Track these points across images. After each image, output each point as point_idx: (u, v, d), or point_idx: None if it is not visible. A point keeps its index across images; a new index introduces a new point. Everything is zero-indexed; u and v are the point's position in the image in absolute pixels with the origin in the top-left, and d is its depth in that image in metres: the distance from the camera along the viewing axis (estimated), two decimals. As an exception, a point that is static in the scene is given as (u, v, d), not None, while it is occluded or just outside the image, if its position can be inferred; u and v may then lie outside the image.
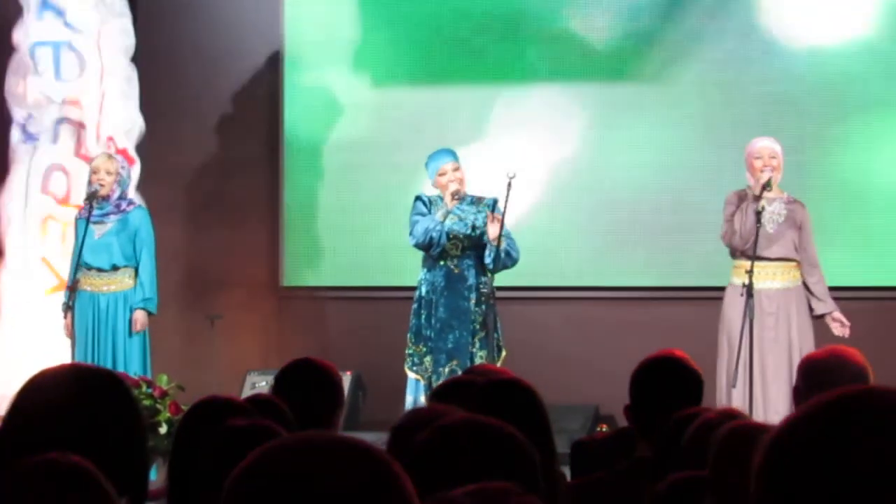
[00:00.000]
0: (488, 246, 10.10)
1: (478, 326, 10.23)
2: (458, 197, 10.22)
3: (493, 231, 10.02)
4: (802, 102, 11.66)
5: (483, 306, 10.19)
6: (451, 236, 10.26)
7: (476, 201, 10.38)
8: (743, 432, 2.63)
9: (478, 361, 9.94)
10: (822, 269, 10.04)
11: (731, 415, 4.02)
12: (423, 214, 10.28)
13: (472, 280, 10.30)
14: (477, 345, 10.21)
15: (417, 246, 10.28)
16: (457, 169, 10.30)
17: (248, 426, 3.63)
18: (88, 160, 11.41)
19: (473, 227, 10.29)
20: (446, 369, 10.13)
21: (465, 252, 10.31)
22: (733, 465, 2.50)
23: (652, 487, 3.45)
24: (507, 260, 10.15)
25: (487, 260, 10.11)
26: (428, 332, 10.33)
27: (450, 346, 10.27)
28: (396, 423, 4.03)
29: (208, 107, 12.60)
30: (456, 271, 10.32)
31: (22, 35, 11.91)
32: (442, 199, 10.31)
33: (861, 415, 1.86)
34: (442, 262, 10.33)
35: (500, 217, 9.97)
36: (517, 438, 3.29)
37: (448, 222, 10.24)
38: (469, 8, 12.13)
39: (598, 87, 12.02)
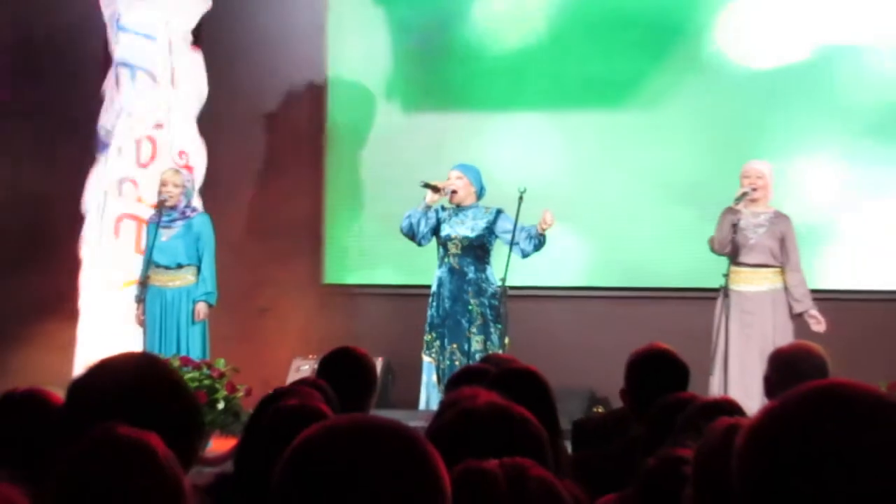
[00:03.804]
0: (513, 234, 10.15)
1: (476, 315, 10.32)
2: (444, 193, 10.35)
3: (549, 221, 10.06)
4: (765, 123, 11.61)
5: (481, 298, 10.30)
6: (453, 238, 10.34)
7: (482, 211, 10.42)
8: (730, 426, 2.63)
9: (474, 345, 10.29)
10: (803, 274, 10.04)
11: (723, 405, 4.03)
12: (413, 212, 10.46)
13: (471, 275, 10.40)
14: (474, 331, 10.32)
15: (402, 232, 10.46)
16: (460, 177, 10.41)
17: (299, 406, 3.65)
18: (155, 170, 11.44)
19: (473, 231, 10.38)
20: (448, 351, 10.29)
21: (465, 252, 10.41)
22: (719, 451, 2.49)
23: (643, 462, 3.45)
24: (537, 245, 10.23)
25: (528, 244, 10.21)
26: (437, 321, 10.43)
27: (450, 330, 10.40)
28: (441, 403, 4.05)
29: (262, 129, 12.60)
30: (457, 268, 10.43)
31: (108, 54, 11.89)
32: (444, 206, 10.43)
33: (829, 406, 1.85)
34: (446, 260, 10.44)
35: (552, 214, 10.05)
36: (528, 419, 3.29)
37: (453, 227, 10.36)
38: (486, 47, 12.10)
39: (596, 114, 11.98)
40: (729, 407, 4.02)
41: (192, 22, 11.97)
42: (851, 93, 11.59)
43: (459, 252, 10.41)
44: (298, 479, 2.02)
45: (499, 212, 10.40)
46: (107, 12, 11.87)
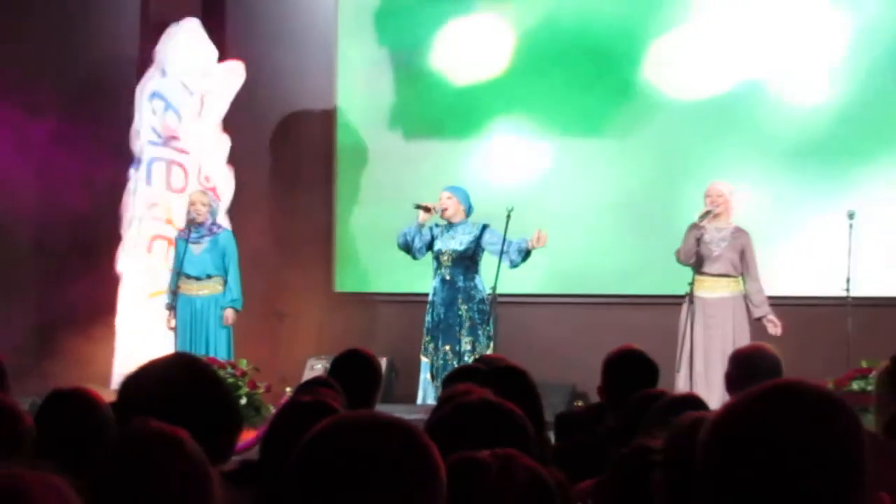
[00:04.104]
0: (501, 248, 10.17)
1: (465, 319, 10.37)
2: (435, 212, 10.42)
3: (543, 241, 10.13)
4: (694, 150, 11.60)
5: (470, 304, 10.41)
6: (444, 252, 10.43)
7: (469, 226, 10.46)
8: (696, 419, 2.62)
9: (464, 345, 10.39)
10: (760, 282, 10.06)
11: (689, 400, 4.02)
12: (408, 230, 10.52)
13: (460, 284, 10.48)
14: (464, 333, 10.39)
15: (398, 247, 10.59)
16: (450, 198, 10.49)
17: (313, 402, 3.64)
18: (183, 192, 11.45)
19: (461, 245, 10.44)
20: (441, 351, 10.34)
21: (455, 263, 10.48)
22: (686, 443, 2.49)
23: (618, 451, 3.44)
24: (523, 258, 10.28)
25: (515, 256, 10.25)
26: (432, 325, 10.50)
27: (443, 333, 10.46)
28: (439, 399, 4.04)
29: (279, 153, 12.60)
30: (448, 278, 10.49)
31: (143, 86, 11.89)
32: (437, 224, 10.49)
33: (782, 402, 1.86)
34: (439, 272, 10.50)
35: (545, 235, 10.12)
36: (516, 413, 3.29)
37: (444, 242, 10.45)
38: (472, 83, 12.12)
39: (573, 140, 11.98)
40: (694, 402, 4.02)
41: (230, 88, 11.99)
42: (769, 122, 11.59)
43: (450, 264, 10.48)
44: (311, 466, 2.03)
45: (484, 226, 10.47)
46: (156, 58, 11.88)
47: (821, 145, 11.49)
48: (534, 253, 10.31)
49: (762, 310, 10.00)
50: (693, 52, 11.78)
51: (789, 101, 11.59)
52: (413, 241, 10.50)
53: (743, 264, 10.05)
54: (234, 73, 11.89)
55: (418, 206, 10.43)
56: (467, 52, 12.22)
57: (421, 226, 10.47)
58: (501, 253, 10.22)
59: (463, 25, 12.27)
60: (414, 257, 10.62)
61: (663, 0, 11.89)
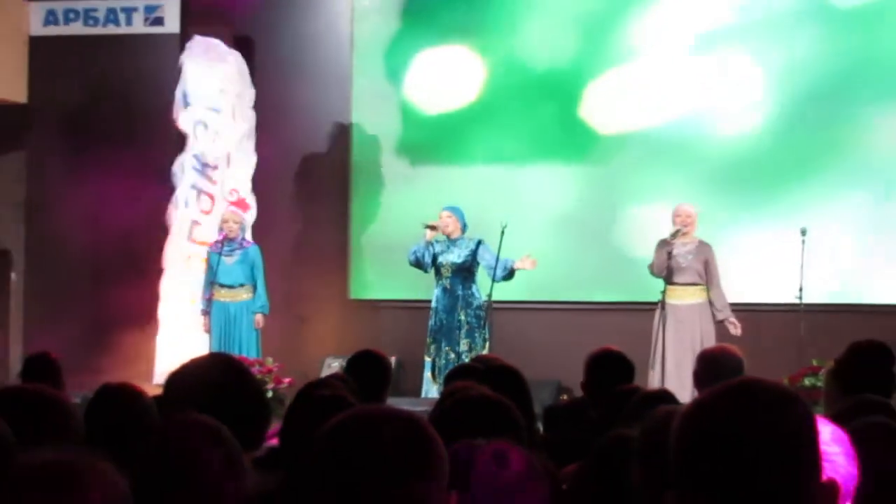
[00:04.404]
0: (494, 268, 10.28)
1: (464, 323, 10.42)
2: (438, 230, 10.46)
3: (525, 265, 10.27)
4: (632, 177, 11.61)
5: (468, 310, 10.47)
6: (445, 264, 10.47)
7: (466, 241, 10.51)
8: (668, 412, 2.62)
9: (463, 346, 10.42)
10: (722, 289, 10.11)
11: (662, 395, 4.02)
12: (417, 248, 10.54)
13: (459, 293, 10.51)
14: (463, 336, 10.42)
15: (410, 264, 10.62)
16: (450, 216, 10.52)
17: (330, 395, 3.64)
18: (210, 214, 11.47)
19: (459, 258, 10.49)
20: (443, 352, 10.39)
21: (454, 274, 10.54)
22: (660, 434, 2.49)
23: (599, 440, 3.44)
24: (504, 277, 10.35)
25: (497, 272, 10.29)
26: (435, 329, 10.54)
27: (445, 335, 10.51)
28: (442, 394, 4.03)
29: (300, 175, 12.60)
30: (448, 287, 10.53)
31: (176, 114, 11.90)
32: (438, 241, 10.57)
33: (742, 398, 1.86)
34: (440, 282, 10.54)
35: (534, 262, 10.28)
36: (509, 406, 3.29)
37: (444, 255, 10.50)
38: (476, 114, 12.11)
39: (562, 167, 11.96)
40: (667, 397, 4.03)
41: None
42: (701, 150, 11.56)
43: (450, 275, 10.53)
44: (331, 452, 2.04)
45: (479, 242, 10.54)
46: (183, 86, 11.89)
47: (754, 170, 11.42)
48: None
49: (724, 313, 10.06)
50: (635, 88, 11.73)
51: (722, 132, 11.55)
52: (423, 257, 10.55)
53: (707, 274, 10.10)
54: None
55: (426, 226, 10.46)
56: (440, 82, 12.20)
57: (428, 243, 10.51)
58: (495, 269, 10.32)
59: (434, 56, 12.25)
60: (425, 271, 10.67)
61: (608, 42, 11.83)
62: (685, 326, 9.95)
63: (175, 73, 11.90)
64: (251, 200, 11.83)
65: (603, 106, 11.84)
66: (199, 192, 11.82)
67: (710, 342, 9.55)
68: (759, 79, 11.50)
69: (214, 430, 2.58)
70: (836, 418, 3.45)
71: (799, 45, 11.42)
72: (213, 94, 11.82)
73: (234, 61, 11.93)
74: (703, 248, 10.16)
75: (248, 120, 11.95)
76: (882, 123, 11.20)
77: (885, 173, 11.22)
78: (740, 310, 10.24)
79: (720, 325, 10.05)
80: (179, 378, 3.19)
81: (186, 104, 11.81)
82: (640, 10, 11.78)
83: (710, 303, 10.07)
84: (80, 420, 3.39)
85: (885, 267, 11.21)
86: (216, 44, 11.89)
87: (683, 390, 8.81)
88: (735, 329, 9.95)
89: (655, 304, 10.05)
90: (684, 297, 10.04)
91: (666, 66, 11.70)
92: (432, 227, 10.47)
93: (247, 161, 11.94)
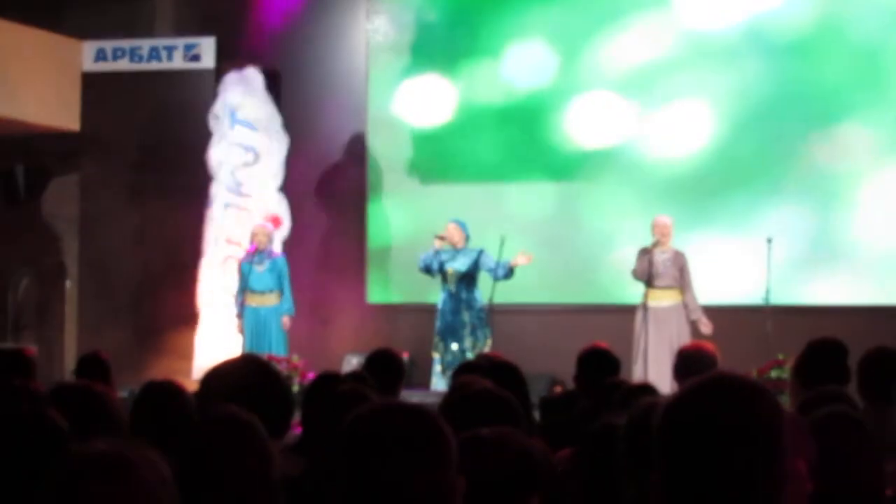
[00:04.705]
0: (495, 269, 10.28)
1: (468, 324, 10.44)
2: (445, 240, 10.46)
3: (521, 260, 10.24)
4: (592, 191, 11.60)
5: (471, 312, 10.47)
6: (450, 271, 10.47)
7: (468, 250, 10.51)
8: (651, 403, 2.61)
9: (467, 343, 10.43)
10: (694, 292, 10.15)
11: (645, 387, 4.01)
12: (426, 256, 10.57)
13: (463, 296, 10.51)
14: (467, 334, 10.43)
15: (419, 269, 10.61)
16: (456, 228, 10.54)
17: (351, 390, 3.63)
18: (249, 226, 11.47)
19: (463, 266, 10.47)
20: (449, 349, 10.44)
21: (459, 281, 10.52)
22: (644, 422, 2.48)
23: (589, 427, 3.42)
24: (506, 276, 10.31)
25: (500, 272, 10.28)
26: (441, 329, 10.50)
27: (451, 334, 10.50)
28: (450, 387, 4.00)
29: (323, 195, 12.58)
30: (453, 291, 10.53)
31: (213, 147, 11.91)
32: (445, 249, 10.54)
33: (717, 391, 1.86)
34: (445, 286, 10.54)
35: (529, 257, 10.26)
36: (510, 398, 3.28)
37: (450, 263, 10.46)
38: (479, 138, 12.10)
39: (556, 184, 11.96)
40: (649, 389, 4.01)
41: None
42: (652, 168, 11.54)
43: (455, 281, 10.54)
44: (354, 442, 2.04)
45: (481, 251, 10.53)
46: (223, 108, 11.89)
47: (703, 183, 11.43)
48: (523, 268, 10.36)
49: (696, 314, 10.08)
50: (602, 111, 11.73)
51: (660, 154, 11.56)
52: (431, 264, 10.56)
53: (682, 278, 10.12)
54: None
55: (436, 237, 10.49)
56: (442, 109, 12.19)
57: (436, 251, 10.51)
58: (496, 274, 10.32)
59: (438, 85, 12.23)
60: (432, 276, 10.67)
61: (575, 70, 11.84)
62: (664, 325, 9.96)
63: (211, 102, 11.96)
64: (285, 217, 11.83)
65: (584, 125, 11.82)
66: (235, 207, 11.81)
67: (686, 339, 9.56)
68: (706, 105, 11.49)
69: (247, 422, 2.57)
70: (801, 409, 3.43)
71: (740, 75, 11.41)
72: (248, 120, 11.85)
73: (262, 91, 11.95)
74: (679, 256, 10.19)
75: (280, 141, 11.97)
76: (815, 141, 11.19)
77: (823, 186, 11.21)
78: (714, 310, 10.24)
79: (693, 324, 10.06)
80: (214, 376, 3.18)
81: (222, 131, 11.82)
82: (606, 45, 11.76)
83: (685, 304, 10.09)
84: (125, 414, 3.39)
85: (824, 271, 11.20)
86: (250, 75, 11.90)
87: (663, 383, 8.79)
88: (706, 328, 9.96)
89: (635, 305, 10.07)
90: (663, 300, 10.07)
91: (625, 93, 11.70)
92: (440, 238, 10.49)
93: (276, 180, 11.94)
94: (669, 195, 11.41)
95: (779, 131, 11.33)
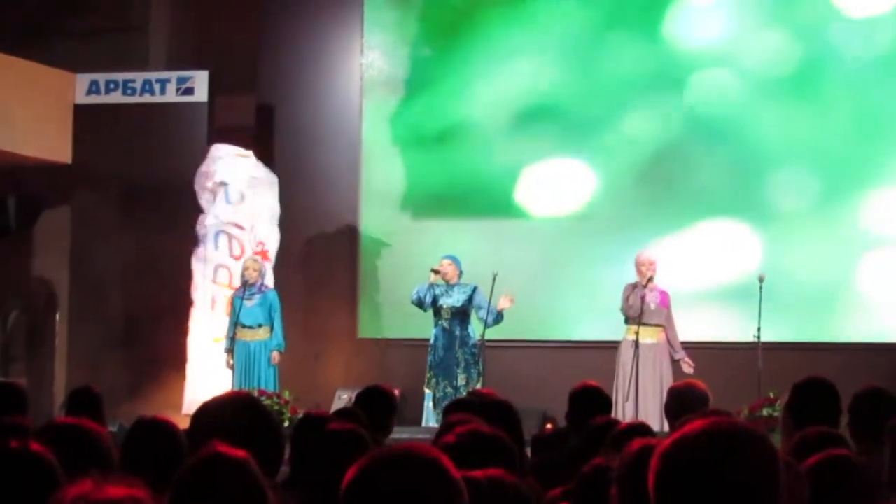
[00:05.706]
0: (486, 311, 10.20)
1: (461, 360, 10.38)
2: (440, 275, 10.43)
3: (505, 304, 10.25)
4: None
5: (464, 348, 10.44)
6: (444, 307, 10.43)
7: (463, 286, 10.47)
8: (644, 446, 2.59)
9: (460, 380, 10.36)
10: (676, 331, 10.17)
11: (638, 428, 3.99)
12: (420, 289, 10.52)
13: (457, 332, 10.48)
14: (460, 371, 10.40)
15: (412, 303, 10.56)
16: (450, 264, 10.50)
17: (344, 429, 3.60)
18: (240, 259, 11.44)
19: (458, 302, 10.46)
20: (441, 385, 10.36)
21: (453, 316, 10.48)
22: (635, 465, 2.46)
23: (581, 468, 3.41)
24: (496, 321, 10.29)
25: (489, 319, 10.22)
26: (434, 364, 10.47)
27: (443, 370, 10.44)
28: (441, 425, 3.97)
29: (315, 229, 12.58)
30: (447, 327, 10.49)
31: (207, 175, 11.90)
32: (438, 284, 10.51)
33: (714, 439, 1.85)
34: (439, 322, 10.50)
35: (512, 299, 10.24)
36: (502, 437, 3.27)
37: (444, 299, 10.44)
38: (472, 168, 12.13)
39: (551, 220, 11.98)
40: (642, 430, 3.99)
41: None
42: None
43: (449, 316, 10.50)
44: (363, 498, 1.99)
45: (475, 288, 10.49)
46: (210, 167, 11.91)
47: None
48: (518, 305, 10.40)
49: (680, 354, 10.14)
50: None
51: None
52: (424, 297, 10.52)
53: (667, 317, 10.17)
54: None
55: (432, 270, 10.48)
56: (435, 147, 12.25)
57: (431, 285, 10.49)
58: (487, 315, 10.28)
59: (431, 123, 12.29)
60: (424, 310, 10.61)
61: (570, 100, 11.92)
62: (650, 362, 9.99)
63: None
64: (272, 251, 11.80)
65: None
66: (228, 236, 11.78)
67: (669, 376, 9.64)
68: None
69: (240, 459, 2.55)
70: (795, 451, 3.42)
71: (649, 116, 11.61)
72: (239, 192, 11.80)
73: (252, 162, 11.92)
74: (665, 296, 10.21)
75: (270, 181, 11.96)
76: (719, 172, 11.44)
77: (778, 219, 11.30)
78: (707, 347, 10.30)
79: (677, 363, 10.07)
80: (204, 413, 3.16)
81: (213, 172, 11.82)
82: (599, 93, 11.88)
83: (669, 343, 10.10)
84: (115, 449, 3.36)
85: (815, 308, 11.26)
86: (241, 155, 11.90)
87: (653, 418, 8.82)
88: (689, 368, 9.96)
89: (619, 342, 10.11)
90: (653, 336, 10.08)
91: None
92: (436, 272, 10.48)
93: (268, 217, 11.92)
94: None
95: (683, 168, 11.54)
